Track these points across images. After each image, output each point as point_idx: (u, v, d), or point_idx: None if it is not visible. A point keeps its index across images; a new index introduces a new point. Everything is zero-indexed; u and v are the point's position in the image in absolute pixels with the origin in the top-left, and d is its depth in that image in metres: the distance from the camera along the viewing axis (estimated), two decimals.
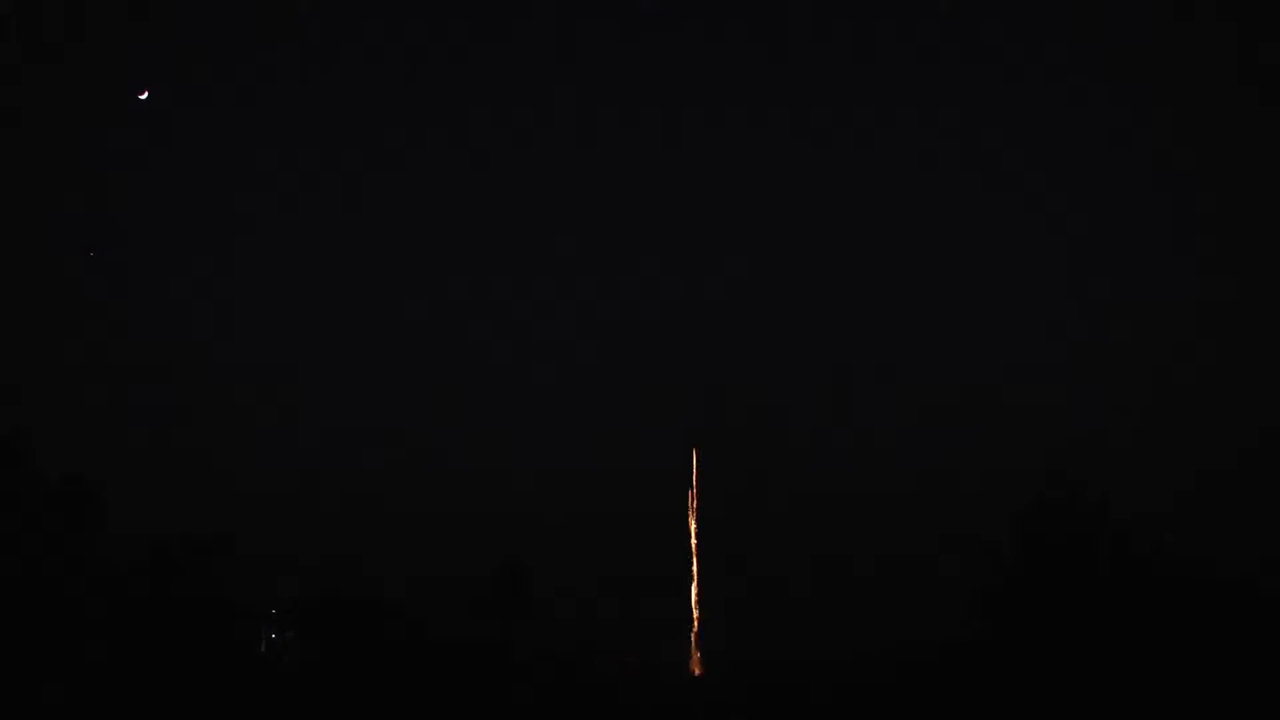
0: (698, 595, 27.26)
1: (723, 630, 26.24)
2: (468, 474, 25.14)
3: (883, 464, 24.68)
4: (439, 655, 42.09)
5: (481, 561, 26.48)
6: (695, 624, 27.02)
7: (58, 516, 29.76)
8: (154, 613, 34.37)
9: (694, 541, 26.82)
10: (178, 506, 28.13)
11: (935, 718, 27.99)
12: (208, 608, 33.86)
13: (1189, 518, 26.40)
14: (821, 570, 25.15)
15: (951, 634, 25.15)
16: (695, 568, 27.19)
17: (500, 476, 24.79)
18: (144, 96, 28.20)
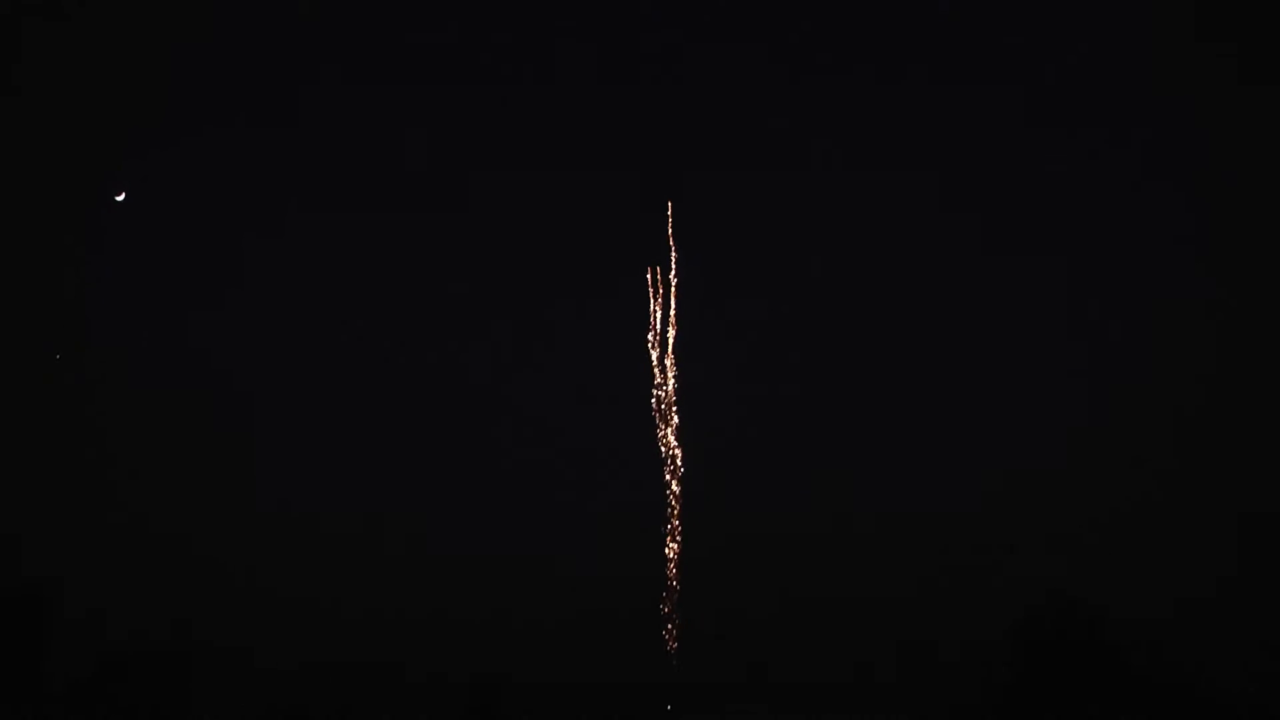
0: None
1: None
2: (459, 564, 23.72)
3: (879, 556, 23.35)
4: None
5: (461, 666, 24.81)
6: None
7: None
8: None
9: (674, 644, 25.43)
10: (148, 601, 26.28)
11: None
12: None
13: (1191, 623, 24.86)
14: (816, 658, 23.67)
15: None
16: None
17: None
18: (120, 198, 27.41)
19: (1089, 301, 25.33)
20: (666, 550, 25.87)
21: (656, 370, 26.29)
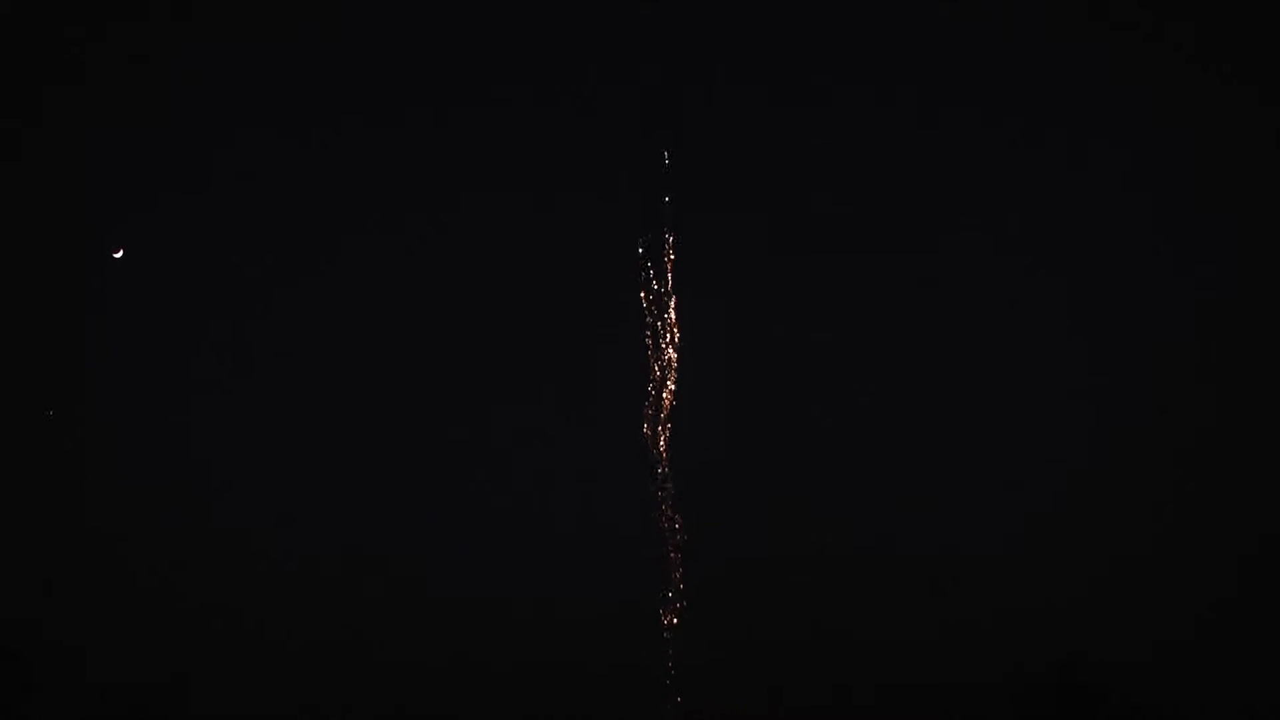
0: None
1: None
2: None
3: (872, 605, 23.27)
4: None
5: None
6: None
7: None
8: None
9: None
10: (135, 655, 25.72)
11: None
12: None
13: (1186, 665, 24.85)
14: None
15: None
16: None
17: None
18: (118, 255, 26.80)
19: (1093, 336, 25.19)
20: (665, 588, 25.74)
21: (650, 419, 26.06)
